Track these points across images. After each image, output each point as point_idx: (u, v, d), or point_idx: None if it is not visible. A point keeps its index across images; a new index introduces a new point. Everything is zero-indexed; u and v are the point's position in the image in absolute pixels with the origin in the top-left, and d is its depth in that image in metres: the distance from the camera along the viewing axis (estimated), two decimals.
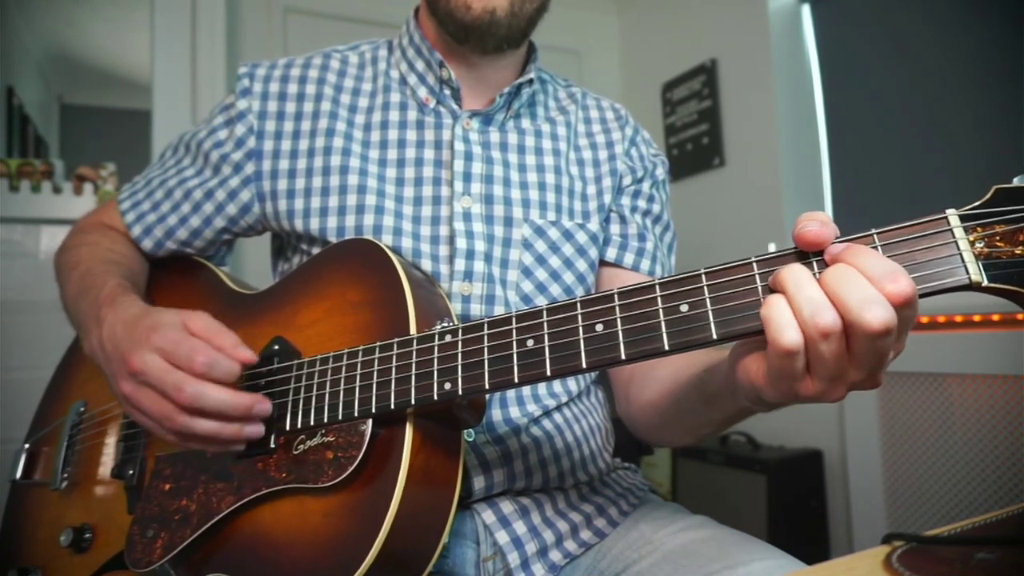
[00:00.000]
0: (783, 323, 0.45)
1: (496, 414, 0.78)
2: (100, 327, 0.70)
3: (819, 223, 0.47)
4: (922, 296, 0.45)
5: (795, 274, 0.46)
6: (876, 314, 0.43)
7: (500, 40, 0.83)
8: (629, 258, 0.90)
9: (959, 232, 0.45)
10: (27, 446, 0.90)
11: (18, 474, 0.88)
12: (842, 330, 0.45)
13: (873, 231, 0.47)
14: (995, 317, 1.70)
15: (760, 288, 0.49)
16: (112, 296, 0.73)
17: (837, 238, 0.48)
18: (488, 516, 0.75)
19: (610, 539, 0.79)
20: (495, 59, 0.87)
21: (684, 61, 2.77)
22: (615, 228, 0.91)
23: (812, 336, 0.45)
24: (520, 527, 0.75)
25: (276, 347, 0.71)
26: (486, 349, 0.57)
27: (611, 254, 0.90)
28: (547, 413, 0.82)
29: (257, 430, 0.64)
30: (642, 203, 0.93)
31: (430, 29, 0.88)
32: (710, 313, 0.50)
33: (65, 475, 0.82)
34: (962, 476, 1.73)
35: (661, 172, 0.97)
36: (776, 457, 2.11)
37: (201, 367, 0.61)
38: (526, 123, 0.91)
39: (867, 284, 0.44)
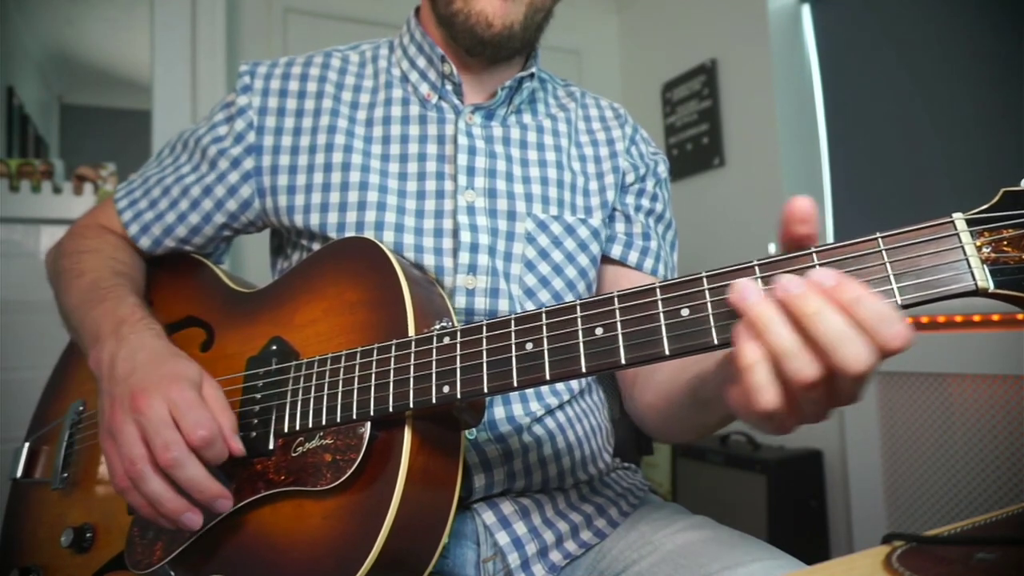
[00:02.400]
0: (761, 385, 0.44)
1: (499, 411, 0.78)
2: (119, 343, 0.68)
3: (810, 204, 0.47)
4: (927, 303, 0.45)
5: (766, 321, 0.44)
6: (859, 359, 0.42)
7: (512, 52, 0.86)
8: (634, 256, 0.91)
9: (966, 237, 0.44)
10: (27, 444, 0.89)
11: (19, 473, 0.88)
12: (825, 377, 0.43)
13: (878, 235, 0.46)
14: (995, 317, 1.71)
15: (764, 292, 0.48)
16: (137, 316, 0.72)
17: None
18: (488, 517, 0.75)
19: (610, 539, 0.79)
20: (498, 65, 0.88)
21: (684, 61, 2.77)
22: (620, 226, 0.92)
23: (794, 391, 0.44)
24: (520, 528, 0.75)
25: (274, 347, 0.71)
26: (484, 352, 0.57)
27: (616, 251, 0.90)
28: (550, 412, 0.82)
29: (195, 522, 0.62)
30: (646, 202, 0.94)
31: (432, 33, 0.89)
32: (711, 318, 0.49)
33: (65, 475, 0.82)
34: (962, 476, 1.73)
35: (663, 170, 0.98)
36: (776, 457, 2.11)
37: (200, 441, 0.60)
38: (527, 118, 0.91)
39: (858, 335, 0.42)
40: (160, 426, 0.60)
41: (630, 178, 0.94)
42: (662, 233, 0.95)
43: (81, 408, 0.86)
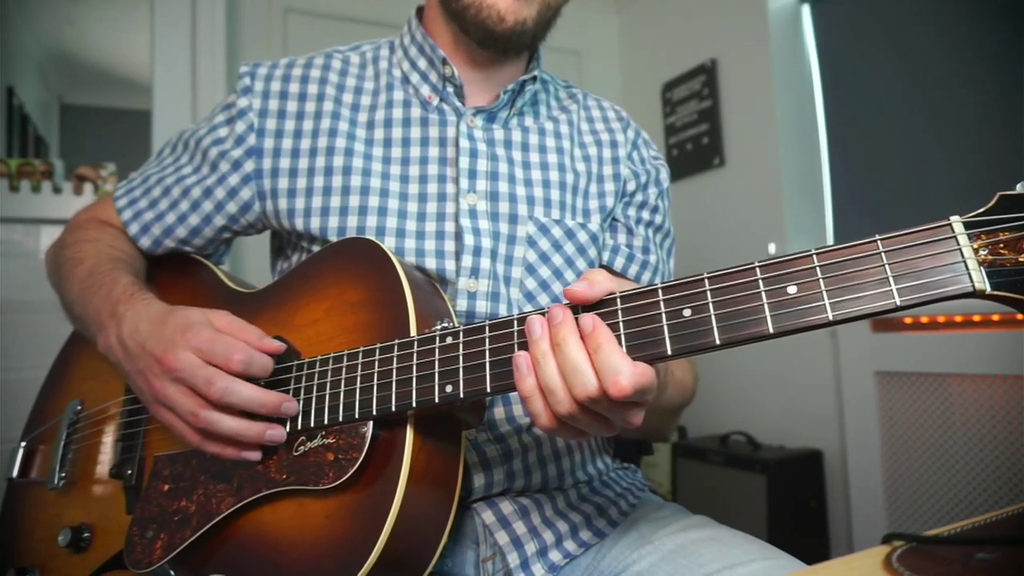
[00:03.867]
0: (537, 412, 0.54)
1: (498, 412, 0.78)
2: (119, 324, 0.70)
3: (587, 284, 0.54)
4: (925, 304, 0.46)
5: (539, 357, 0.53)
6: (584, 389, 0.51)
7: (522, 47, 0.86)
8: (633, 270, 0.91)
9: (963, 239, 0.45)
10: (23, 444, 0.89)
11: (14, 472, 0.88)
12: (580, 409, 0.52)
13: (877, 237, 0.47)
14: (995, 317, 1.70)
15: (764, 293, 0.49)
16: (129, 293, 0.74)
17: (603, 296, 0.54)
18: (488, 516, 0.75)
19: (610, 539, 0.79)
20: (507, 60, 0.88)
21: (684, 61, 2.77)
22: (622, 238, 0.92)
23: (563, 417, 0.54)
24: (520, 527, 0.75)
25: None
26: (487, 351, 0.57)
27: (619, 264, 0.91)
28: None
29: (279, 434, 0.64)
30: (646, 215, 0.94)
31: (440, 31, 0.88)
32: (713, 318, 0.50)
33: (62, 474, 0.82)
34: (962, 476, 1.73)
35: (665, 177, 0.97)
36: (776, 457, 2.11)
37: (238, 364, 0.63)
38: (529, 121, 0.91)
39: (589, 371, 0.51)
40: (195, 369, 0.63)
41: (631, 186, 0.94)
42: (660, 242, 0.96)
43: (79, 407, 0.86)
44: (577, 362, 0.51)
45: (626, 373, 0.49)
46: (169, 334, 0.65)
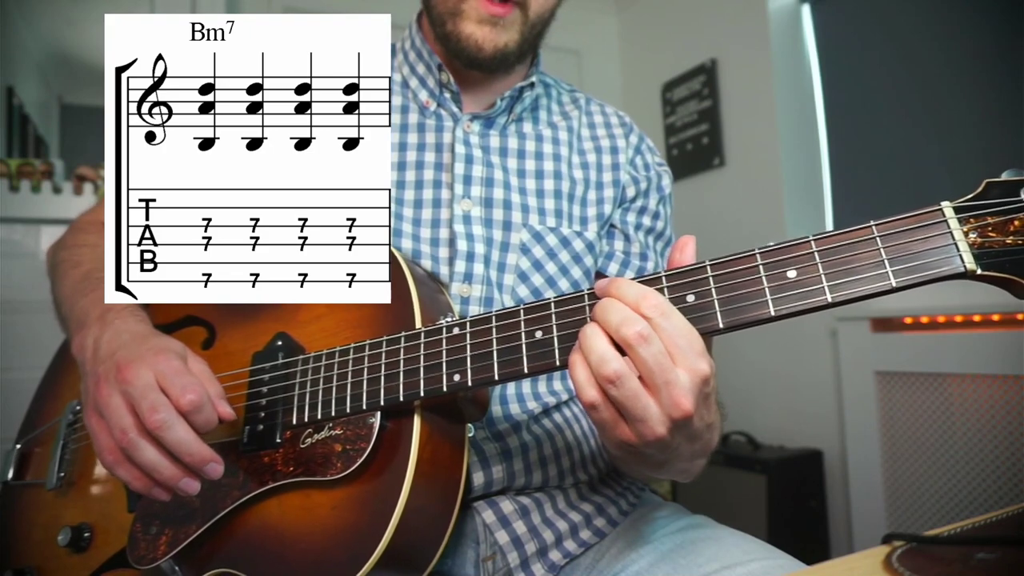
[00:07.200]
0: (582, 382, 0.52)
1: (496, 410, 0.78)
2: (103, 327, 0.69)
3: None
4: (919, 285, 0.48)
5: (586, 331, 0.52)
6: (633, 329, 0.49)
7: (509, 66, 0.86)
8: (628, 276, 0.90)
9: (954, 223, 0.47)
10: (18, 447, 0.89)
11: (9, 475, 0.87)
12: (626, 374, 0.50)
13: (871, 223, 0.49)
14: (995, 317, 1.70)
15: (764, 278, 0.51)
16: (123, 305, 0.72)
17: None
18: (488, 516, 0.75)
19: (609, 538, 0.79)
20: (496, 77, 0.89)
21: (684, 61, 2.77)
22: (619, 244, 0.92)
23: (602, 385, 0.51)
24: (520, 527, 0.76)
25: (279, 343, 0.71)
26: (495, 340, 0.58)
27: (613, 269, 0.90)
28: (547, 411, 0.82)
29: (193, 487, 0.61)
30: (647, 220, 0.93)
31: (436, 43, 0.89)
32: (716, 303, 0.52)
33: (61, 474, 0.82)
34: (962, 476, 1.73)
35: (667, 184, 0.97)
36: (776, 457, 2.11)
37: (188, 404, 0.59)
38: (528, 127, 0.91)
39: (623, 307, 0.51)
40: (146, 391, 0.59)
41: (631, 192, 0.93)
42: (661, 250, 0.95)
43: (78, 407, 0.86)
44: (609, 305, 0.52)
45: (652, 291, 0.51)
46: (143, 350, 0.63)
